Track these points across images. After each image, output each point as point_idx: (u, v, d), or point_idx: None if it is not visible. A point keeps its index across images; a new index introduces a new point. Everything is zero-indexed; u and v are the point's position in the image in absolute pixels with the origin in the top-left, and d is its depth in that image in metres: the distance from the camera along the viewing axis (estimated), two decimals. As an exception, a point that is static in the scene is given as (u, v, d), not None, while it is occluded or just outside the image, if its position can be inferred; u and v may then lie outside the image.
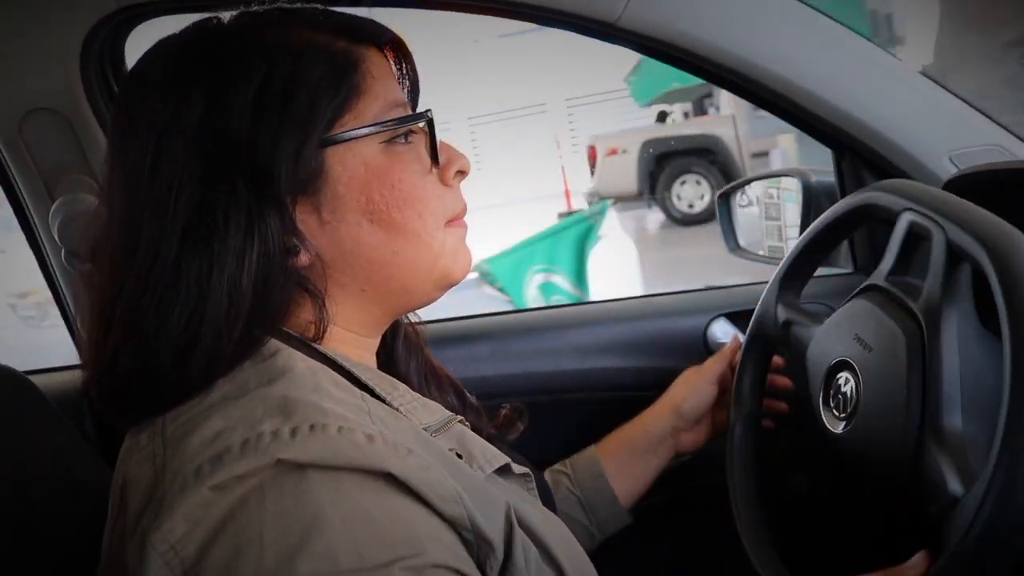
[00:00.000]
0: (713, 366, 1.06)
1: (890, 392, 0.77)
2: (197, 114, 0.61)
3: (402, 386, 0.66)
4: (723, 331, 1.21)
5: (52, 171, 1.01)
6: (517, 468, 0.69)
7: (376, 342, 0.73)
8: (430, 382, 0.83)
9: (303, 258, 0.63)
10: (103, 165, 0.67)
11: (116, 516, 0.60)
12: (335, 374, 0.62)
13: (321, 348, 0.64)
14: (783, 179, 1.28)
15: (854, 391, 0.82)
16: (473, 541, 0.57)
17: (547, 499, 0.81)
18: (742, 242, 1.34)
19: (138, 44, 0.97)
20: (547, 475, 1.05)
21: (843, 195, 1.16)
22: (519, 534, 0.61)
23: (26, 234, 1.08)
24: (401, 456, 0.55)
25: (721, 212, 1.33)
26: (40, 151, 1.02)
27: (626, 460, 1.05)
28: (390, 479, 0.54)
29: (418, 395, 0.67)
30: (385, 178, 0.66)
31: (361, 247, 0.66)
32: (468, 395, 0.87)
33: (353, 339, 0.69)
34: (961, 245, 0.72)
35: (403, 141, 0.68)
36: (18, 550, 0.76)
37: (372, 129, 0.65)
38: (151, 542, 0.52)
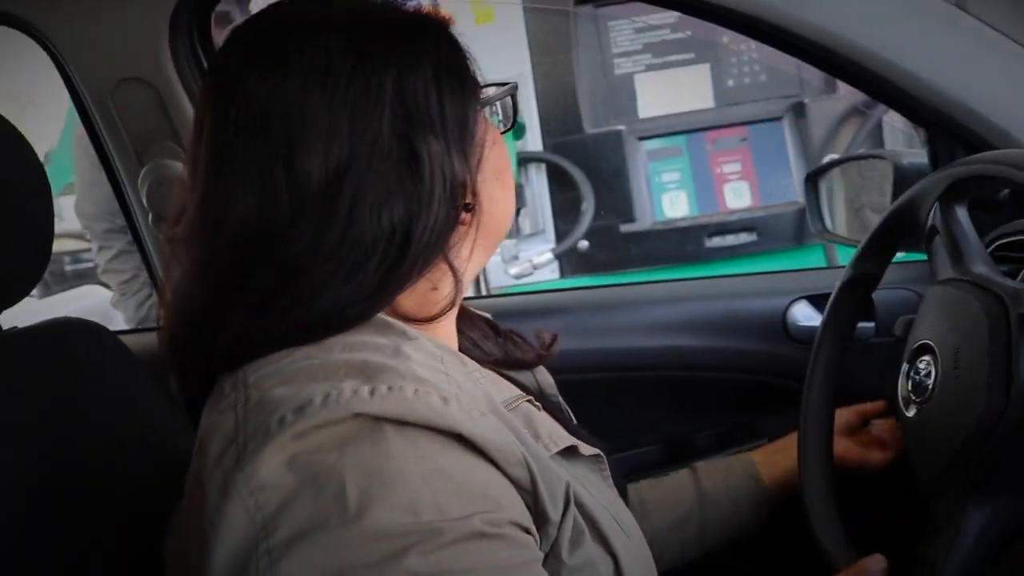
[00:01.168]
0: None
1: (969, 379, 0.73)
2: (390, 84, 0.62)
3: (472, 363, 0.66)
4: (804, 314, 1.18)
5: (142, 138, 1.05)
6: (586, 449, 0.69)
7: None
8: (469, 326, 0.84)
9: (465, 216, 0.65)
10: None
11: (196, 460, 0.61)
12: (417, 342, 0.62)
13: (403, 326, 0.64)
14: (872, 161, 1.23)
15: (934, 376, 0.79)
16: (533, 508, 0.58)
17: (617, 482, 0.80)
18: (829, 224, 1.30)
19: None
20: (697, 465, 1.02)
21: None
22: (572, 512, 0.61)
23: (117, 198, 1.12)
24: (474, 419, 0.56)
25: (808, 194, 1.29)
26: (130, 119, 1.05)
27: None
28: (461, 440, 0.55)
29: (488, 371, 0.67)
30: (499, 141, 0.71)
31: (494, 205, 0.69)
32: (499, 326, 0.87)
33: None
34: None
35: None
36: (104, 506, 0.78)
37: (495, 92, 0.71)
38: (234, 482, 0.53)
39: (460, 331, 0.79)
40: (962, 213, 0.84)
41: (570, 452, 0.67)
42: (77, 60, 1.03)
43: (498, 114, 0.74)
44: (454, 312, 0.72)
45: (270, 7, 0.68)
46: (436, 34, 0.66)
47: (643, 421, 1.21)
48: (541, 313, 1.21)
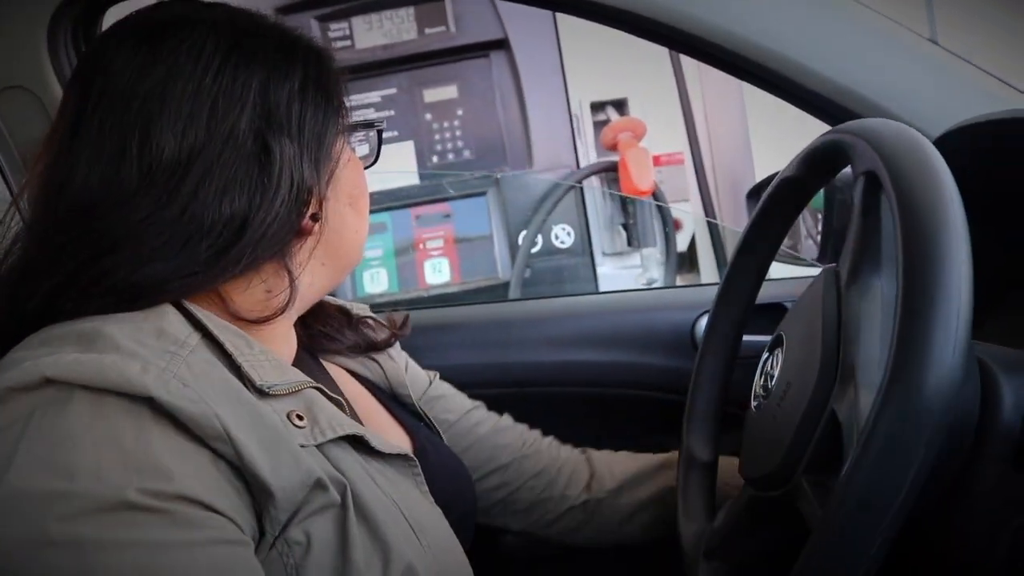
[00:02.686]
0: None
1: (805, 363, 0.68)
2: (256, 84, 0.65)
3: (260, 347, 0.65)
4: (712, 327, 1.12)
5: (27, 146, 1.05)
6: (386, 447, 0.67)
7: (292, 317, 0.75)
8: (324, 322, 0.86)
9: (307, 224, 0.67)
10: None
11: None
12: (176, 319, 0.62)
13: (189, 306, 0.64)
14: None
15: (779, 366, 0.73)
16: (252, 484, 0.56)
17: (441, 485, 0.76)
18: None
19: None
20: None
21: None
22: (328, 501, 0.59)
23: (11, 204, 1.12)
24: (170, 388, 0.54)
25: (750, 210, 1.25)
26: (15, 127, 1.06)
27: None
28: (153, 406, 0.54)
29: (279, 360, 0.66)
30: (358, 168, 0.75)
31: (343, 227, 0.72)
32: (352, 313, 0.89)
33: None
34: (866, 161, 0.63)
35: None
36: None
37: (361, 122, 0.75)
38: None
39: (313, 326, 0.83)
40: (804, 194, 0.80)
41: (362, 446, 0.65)
42: (-40, 69, 1.05)
43: (366, 149, 0.79)
44: (289, 317, 0.72)
45: (156, 5, 0.70)
46: (310, 54, 0.70)
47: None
48: (438, 328, 1.17)
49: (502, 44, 2.57)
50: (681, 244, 2.64)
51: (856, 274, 0.67)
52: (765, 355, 0.78)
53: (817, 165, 0.76)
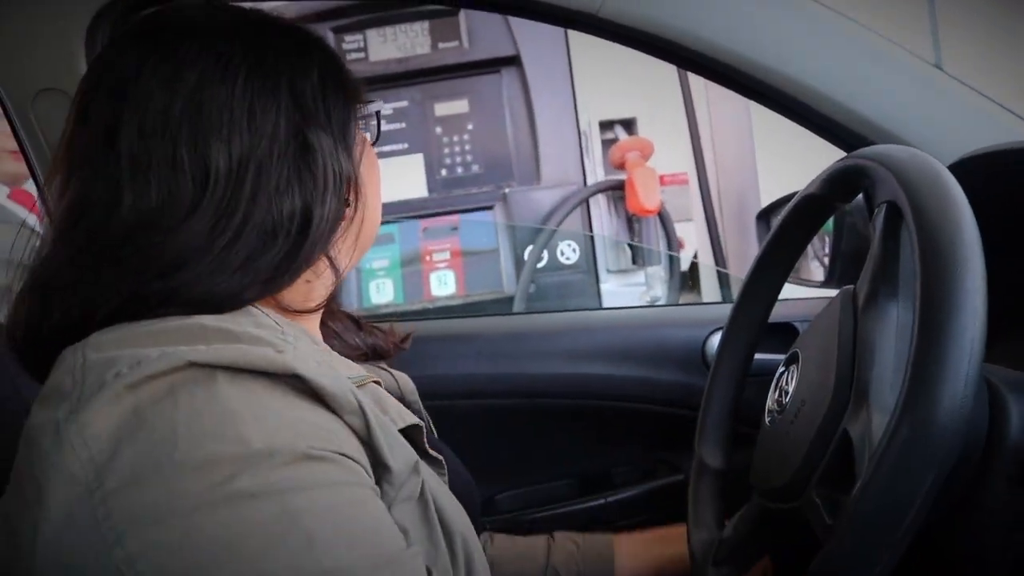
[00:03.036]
0: None
1: (819, 381, 0.70)
2: (284, 82, 0.66)
3: (323, 344, 0.69)
4: (722, 345, 1.15)
5: (60, 148, 1.07)
6: (431, 451, 0.70)
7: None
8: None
9: (348, 213, 0.69)
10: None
11: (29, 419, 0.60)
12: (262, 317, 0.64)
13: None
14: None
15: (794, 383, 0.76)
16: (370, 457, 0.59)
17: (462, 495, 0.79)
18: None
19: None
20: (557, 539, 1.01)
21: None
22: (420, 480, 0.62)
23: (42, 205, 1.14)
24: (309, 365, 0.57)
25: (760, 233, 1.28)
26: (50, 129, 1.08)
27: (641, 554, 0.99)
28: (297, 382, 0.56)
29: (338, 355, 0.69)
30: (370, 150, 0.75)
31: (367, 207, 0.72)
32: (360, 320, 0.91)
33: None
34: (888, 190, 0.65)
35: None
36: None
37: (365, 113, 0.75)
38: (67, 432, 0.53)
39: (324, 323, 0.82)
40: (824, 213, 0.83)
41: (416, 444, 0.68)
42: (-1, 70, 1.07)
43: (367, 130, 0.78)
44: (319, 313, 0.74)
45: (165, 8, 0.71)
46: (317, 45, 0.71)
47: (558, 452, 1.18)
48: (452, 338, 1.19)
49: (514, 60, 2.61)
50: (684, 263, 2.67)
51: (873, 298, 0.69)
52: (781, 370, 0.80)
53: (839, 186, 0.78)
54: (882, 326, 0.67)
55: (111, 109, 0.63)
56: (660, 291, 2.50)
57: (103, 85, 0.65)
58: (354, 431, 0.58)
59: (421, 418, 0.90)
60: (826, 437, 0.67)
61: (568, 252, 2.57)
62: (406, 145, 2.67)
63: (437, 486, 0.68)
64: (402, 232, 2.65)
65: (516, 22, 2.55)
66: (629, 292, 2.54)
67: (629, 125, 2.64)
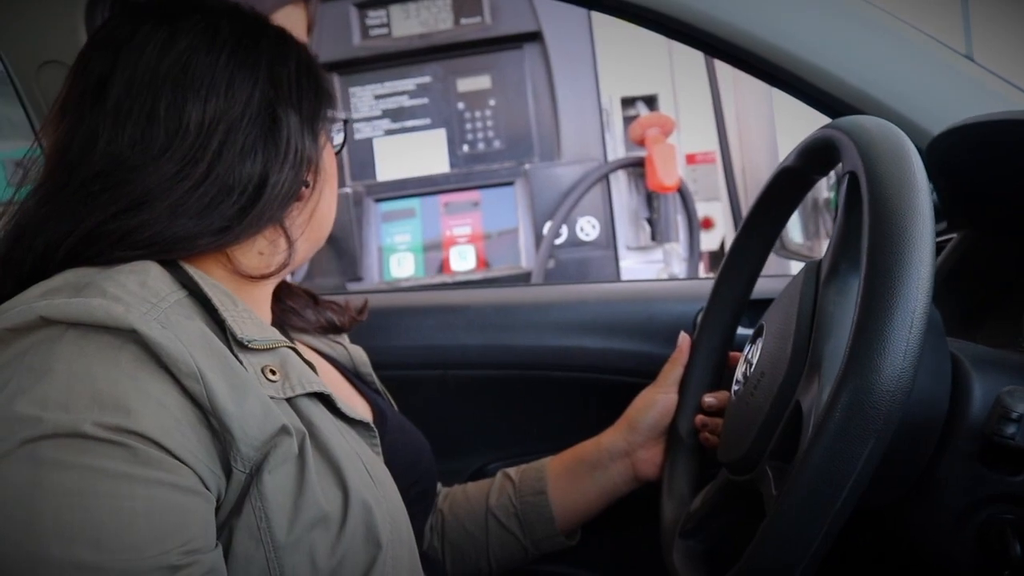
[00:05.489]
0: (667, 374, 0.98)
1: (778, 352, 0.70)
2: (264, 62, 0.73)
3: (244, 305, 0.70)
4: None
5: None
6: (348, 411, 0.72)
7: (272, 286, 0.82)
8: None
9: (304, 191, 0.75)
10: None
11: None
12: (160, 275, 0.66)
13: (182, 264, 0.69)
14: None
15: (757, 355, 0.76)
16: (217, 428, 0.60)
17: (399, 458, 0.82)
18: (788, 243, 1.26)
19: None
20: (498, 477, 1.03)
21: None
22: (293, 447, 0.63)
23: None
24: (151, 326, 0.59)
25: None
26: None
27: (573, 477, 1.00)
28: (136, 339, 0.58)
29: (260, 319, 0.71)
30: (332, 153, 0.82)
31: (323, 203, 0.79)
32: (318, 296, 0.96)
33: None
34: (850, 161, 0.65)
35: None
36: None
37: (334, 115, 0.80)
38: None
39: (281, 300, 0.89)
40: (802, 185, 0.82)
41: (330, 406, 0.70)
42: (2, 44, 1.10)
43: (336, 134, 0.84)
44: (273, 282, 0.80)
45: None
46: (298, 45, 0.78)
47: (550, 423, 1.19)
48: (446, 309, 1.21)
49: (536, 37, 2.60)
50: (713, 243, 2.64)
51: (835, 270, 0.69)
52: (748, 345, 0.80)
53: (813, 158, 0.78)
54: (842, 299, 0.67)
55: (105, 65, 0.71)
56: (678, 268, 2.48)
57: (100, 46, 0.73)
58: (193, 398, 0.59)
59: (375, 389, 0.94)
60: (780, 409, 0.67)
61: (588, 228, 2.57)
62: (428, 120, 2.68)
63: (350, 448, 0.69)
64: (424, 207, 2.67)
65: (539, -1, 2.55)
66: (648, 269, 2.53)
67: (651, 102, 2.62)
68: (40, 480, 0.54)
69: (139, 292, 0.62)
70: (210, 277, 0.69)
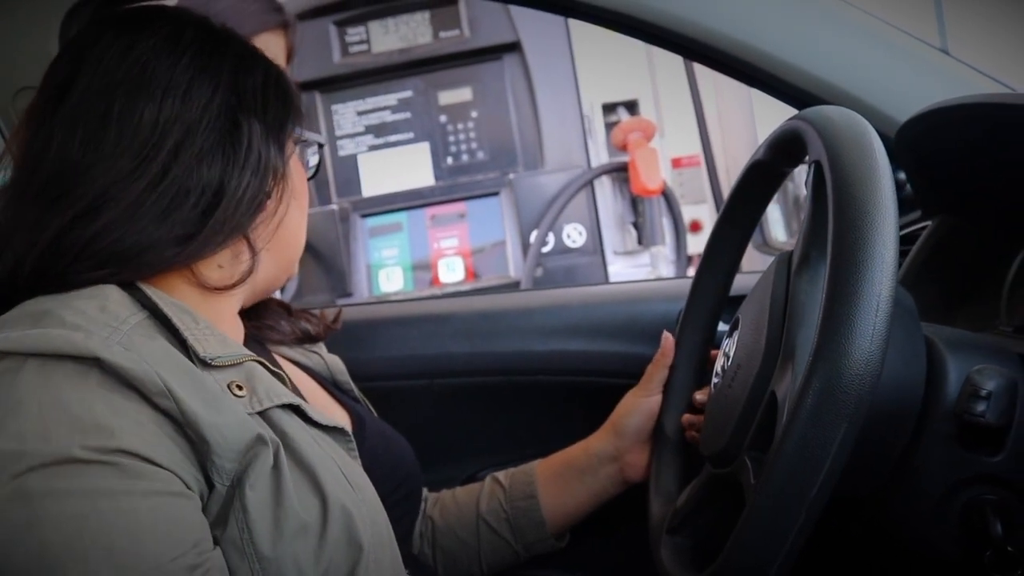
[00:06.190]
0: (651, 376, 0.98)
1: (753, 345, 0.71)
2: (228, 69, 0.72)
3: (206, 323, 0.69)
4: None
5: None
6: (321, 418, 0.71)
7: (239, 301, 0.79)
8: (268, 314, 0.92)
9: (270, 206, 0.73)
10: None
11: None
12: (120, 298, 0.66)
13: (142, 285, 0.68)
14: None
15: (733, 349, 0.76)
16: (195, 439, 0.60)
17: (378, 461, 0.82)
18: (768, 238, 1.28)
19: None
20: (487, 483, 1.03)
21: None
22: (268, 458, 0.63)
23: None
24: (113, 350, 0.59)
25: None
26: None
27: (563, 481, 1.00)
28: (100, 366, 0.58)
29: (223, 335, 0.70)
30: (303, 172, 0.81)
31: (289, 219, 0.77)
32: (291, 306, 0.96)
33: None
34: (815, 150, 0.65)
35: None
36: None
37: (308, 137, 0.80)
38: None
39: (257, 317, 0.88)
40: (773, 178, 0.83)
41: (302, 416, 0.70)
42: (-21, 69, 1.10)
43: (307, 163, 0.84)
44: (237, 297, 0.77)
45: (139, 5, 0.79)
46: (268, 62, 0.77)
47: (538, 428, 1.19)
48: (430, 319, 1.21)
49: (515, 47, 2.61)
50: (702, 245, 2.65)
51: (806, 260, 0.69)
52: (725, 339, 0.81)
53: (781, 150, 0.79)
54: (813, 287, 0.68)
55: (68, 70, 0.71)
56: (666, 271, 2.49)
57: (65, 53, 0.73)
58: (166, 413, 0.59)
59: (353, 396, 0.95)
60: (756, 400, 0.67)
61: (574, 235, 2.58)
62: (411, 134, 2.70)
63: (326, 455, 0.68)
64: (410, 220, 2.68)
65: (516, 9, 2.56)
66: (636, 273, 2.54)
67: (632, 107, 2.64)
68: (37, 513, 0.53)
69: (99, 317, 0.62)
70: (172, 294, 0.69)
